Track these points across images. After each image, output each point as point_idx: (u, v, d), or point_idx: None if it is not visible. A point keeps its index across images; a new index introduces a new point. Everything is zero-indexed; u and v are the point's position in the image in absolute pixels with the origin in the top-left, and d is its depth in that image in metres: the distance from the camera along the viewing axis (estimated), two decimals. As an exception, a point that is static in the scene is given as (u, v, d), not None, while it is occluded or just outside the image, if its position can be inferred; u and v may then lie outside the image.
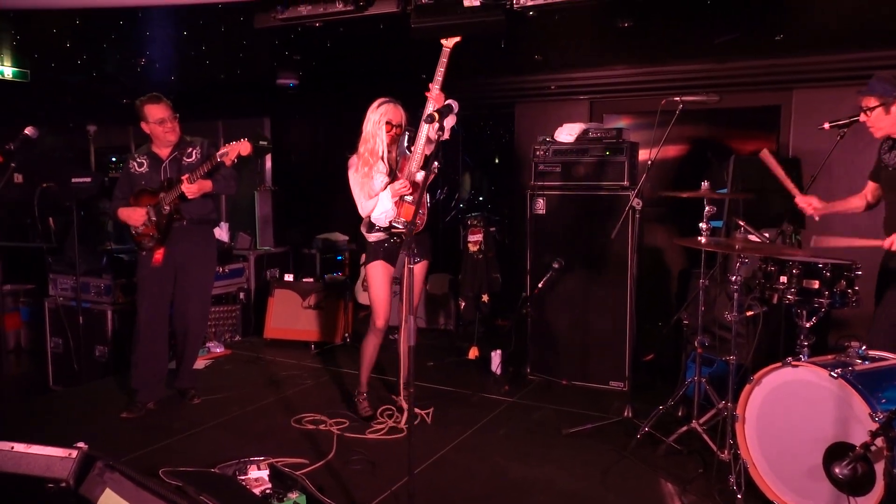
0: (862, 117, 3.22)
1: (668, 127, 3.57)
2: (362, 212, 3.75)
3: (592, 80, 5.93)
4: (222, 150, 3.82)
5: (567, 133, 4.62)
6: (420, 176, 3.52)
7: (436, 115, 2.80)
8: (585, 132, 4.62)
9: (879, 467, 2.45)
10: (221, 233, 6.40)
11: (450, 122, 3.24)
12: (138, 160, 4.13)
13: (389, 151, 3.73)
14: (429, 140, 3.47)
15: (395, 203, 3.62)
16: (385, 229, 3.69)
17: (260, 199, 6.57)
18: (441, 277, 6.12)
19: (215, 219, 4.32)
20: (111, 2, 3.63)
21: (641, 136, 5.72)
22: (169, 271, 4.09)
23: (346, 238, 6.94)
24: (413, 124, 3.58)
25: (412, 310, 2.63)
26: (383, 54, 5.44)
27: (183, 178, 3.92)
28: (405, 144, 3.65)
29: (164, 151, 4.10)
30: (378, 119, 3.66)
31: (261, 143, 6.86)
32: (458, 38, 3.09)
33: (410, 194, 3.56)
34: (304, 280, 5.86)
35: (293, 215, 7.07)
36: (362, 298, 6.30)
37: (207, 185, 3.98)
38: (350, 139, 4.05)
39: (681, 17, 4.22)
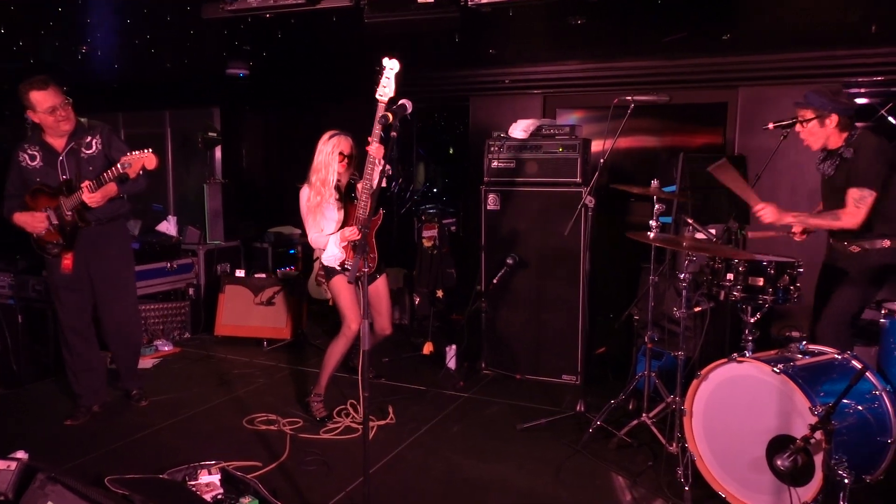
0: (798, 128, 3.35)
1: (621, 125, 3.62)
2: (312, 243, 3.84)
3: (546, 74, 5.97)
4: (125, 160, 3.47)
5: (521, 129, 4.64)
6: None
7: (389, 115, 2.77)
8: (539, 128, 4.65)
9: (818, 459, 2.55)
10: (169, 227, 6.24)
11: (387, 170, 3.34)
12: (29, 152, 3.70)
13: (340, 180, 3.79)
14: (373, 187, 3.46)
15: (345, 247, 3.70)
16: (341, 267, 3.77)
17: (209, 192, 6.41)
18: (395, 272, 6.09)
19: (126, 211, 3.99)
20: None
21: (593, 128, 5.81)
22: (82, 275, 3.81)
23: (299, 231, 6.85)
24: (363, 131, 3.55)
25: (367, 314, 2.61)
26: (336, 45, 5.35)
27: (83, 185, 3.55)
28: (352, 194, 3.69)
29: (58, 142, 3.70)
30: (330, 150, 3.73)
31: (209, 134, 6.76)
32: (391, 94, 3.08)
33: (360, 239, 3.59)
34: (255, 276, 5.74)
35: (244, 208, 6.94)
36: (315, 293, 6.23)
37: (112, 189, 3.63)
38: (303, 132, 4.00)
39: (631, 15, 4.27)
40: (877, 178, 3.16)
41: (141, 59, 5.91)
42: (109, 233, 3.87)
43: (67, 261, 3.73)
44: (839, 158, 3.29)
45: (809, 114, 3.28)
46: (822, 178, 3.45)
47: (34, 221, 3.70)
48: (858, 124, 5.23)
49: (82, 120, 3.83)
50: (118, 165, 3.50)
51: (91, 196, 3.57)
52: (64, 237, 3.72)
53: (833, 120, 3.24)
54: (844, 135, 3.27)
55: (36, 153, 3.73)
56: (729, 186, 3.39)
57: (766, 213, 3.32)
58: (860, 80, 5.26)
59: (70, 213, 3.67)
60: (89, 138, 3.77)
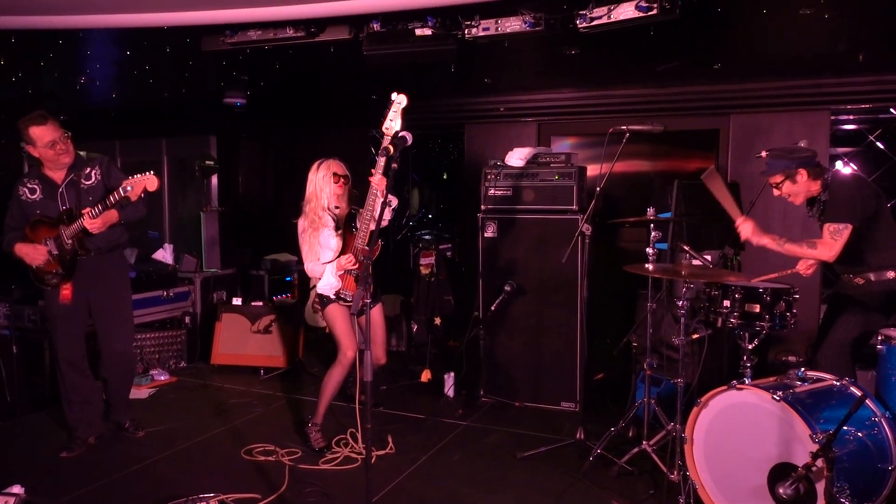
0: (775, 192, 3.46)
1: (617, 153, 3.66)
2: (308, 272, 3.82)
3: (540, 102, 6.05)
4: (126, 184, 3.51)
5: (517, 157, 4.68)
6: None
7: (391, 147, 2.81)
8: (535, 156, 4.70)
9: (820, 487, 2.55)
10: (165, 255, 6.22)
11: (393, 203, 3.38)
12: (29, 186, 3.73)
13: (338, 206, 3.79)
14: (373, 219, 3.51)
15: (341, 276, 3.69)
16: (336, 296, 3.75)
17: (206, 220, 6.41)
18: (392, 299, 6.09)
19: (125, 241, 4.02)
20: (54, 24, 3.51)
21: (587, 154, 5.86)
22: (81, 305, 3.80)
23: (295, 259, 6.84)
24: (360, 158, 3.60)
25: (368, 345, 2.61)
26: (333, 75, 5.42)
27: (84, 212, 3.59)
28: (352, 224, 3.67)
29: (58, 175, 3.73)
30: (322, 176, 3.74)
31: (206, 162, 6.79)
32: (397, 128, 3.13)
33: (357, 268, 3.62)
34: (252, 304, 5.73)
35: (240, 236, 6.94)
36: (312, 321, 6.21)
37: (113, 216, 3.66)
38: (300, 160, 4.02)
39: (624, 45, 4.36)
40: (851, 211, 3.21)
41: (139, 88, 5.97)
42: (109, 262, 3.87)
43: (66, 291, 3.72)
44: (822, 204, 3.38)
45: (778, 178, 3.39)
46: (819, 224, 3.53)
47: (35, 253, 3.70)
48: (845, 150, 5.36)
49: (81, 153, 3.86)
50: (120, 189, 3.54)
51: (92, 222, 3.59)
52: (63, 266, 3.72)
53: (802, 174, 3.33)
54: (819, 181, 3.36)
55: (35, 186, 3.76)
56: (715, 196, 3.44)
57: (745, 227, 3.36)
58: (848, 107, 5.36)
59: (70, 241, 3.68)
60: (88, 170, 3.80)
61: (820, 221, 3.44)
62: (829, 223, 3.24)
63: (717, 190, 3.44)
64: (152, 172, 3.56)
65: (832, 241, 3.21)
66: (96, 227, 3.62)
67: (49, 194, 3.75)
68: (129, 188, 3.51)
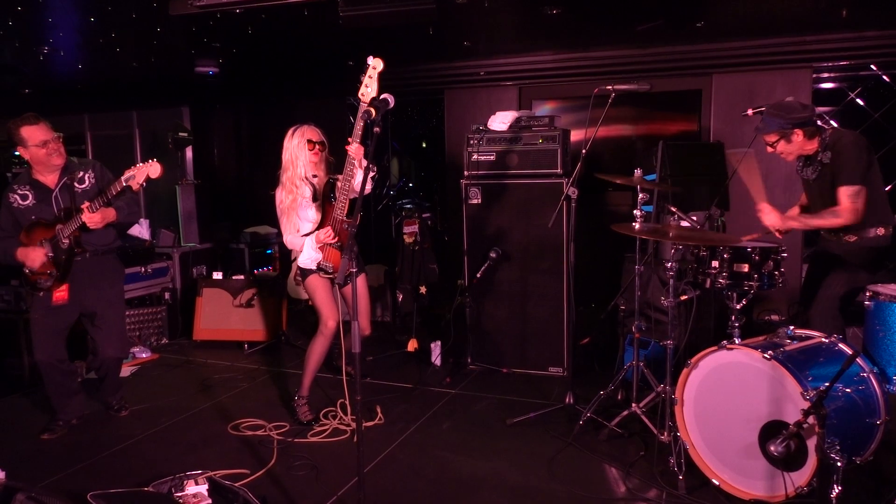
0: (769, 150, 3.42)
1: (602, 114, 3.60)
2: (287, 244, 3.73)
3: (521, 65, 5.95)
4: (128, 173, 3.38)
5: (500, 121, 4.60)
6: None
7: (372, 110, 2.72)
8: (518, 120, 4.61)
9: (811, 443, 2.56)
10: (142, 230, 6.08)
11: (371, 174, 3.18)
12: (20, 192, 3.62)
13: (315, 175, 3.68)
14: (353, 188, 3.41)
15: (321, 248, 3.59)
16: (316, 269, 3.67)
17: (182, 194, 6.26)
18: (376, 269, 6.03)
19: (119, 246, 3.94)
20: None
21: (569, 118, 5.80)
22: (71, 308, 3.69)
23: (275, 231, 6.74)
24: (336, 128, 3.48)
25: (355, 315, 2.55)
26: (308, 41, 5.26)
27: (83, 206, 3.47)
28: (330, 194, 3.55)
29: (50, 178, 3.63)
30: (297, 143, 3.63)
31: (180, 134, 6.60)
32: (373, 94, 3.00)
33: (336, 241, 3.53)
34: (233, 277, 5.63)
35: (218, 209, 6.81)
36: (294, 293, 6.14)
37: (111, 213, 3.57)
38: (276, 129, 3.90)
39: (606, 4, 4.26)
40: (863, 173, 3.21)
41: (106, 58, 5.75)
42: (104, 267, 3.78)
43: (62, 293, 3.60)
44: (819, 164, 3.35)
45: (773, 137, 3.35)
46: (806, 182, 3.49)
47: (34, 254, 3.58)
48: (825, 109, 5.34)
49: (73, 158, 3.75)
50: (122, 179, 3.41)
51: (91, 216, 3.47)
52: (58, 268, 3.59)
53: (798, 134, 3.30)
54: (815, 140, 3.32)
55: (27, 192, 3.64)
56: (743, 178, 3.44)
57: (770, 217, 3.31)
58: (830, 64, 5.34)
59: (67, 239, 3.56)
60: (82, 173, 3.68)
61: (810, 179, 3.41)
62: (845, 186, 3.20)
63: (748, 171, 3.44)
64: (155, 160, 3.45)
65: (852, 203, 3.20)
66: (95, 221, 3.50)
67: (42, 199, 3.62)
68: (130, 177, 3.39)
